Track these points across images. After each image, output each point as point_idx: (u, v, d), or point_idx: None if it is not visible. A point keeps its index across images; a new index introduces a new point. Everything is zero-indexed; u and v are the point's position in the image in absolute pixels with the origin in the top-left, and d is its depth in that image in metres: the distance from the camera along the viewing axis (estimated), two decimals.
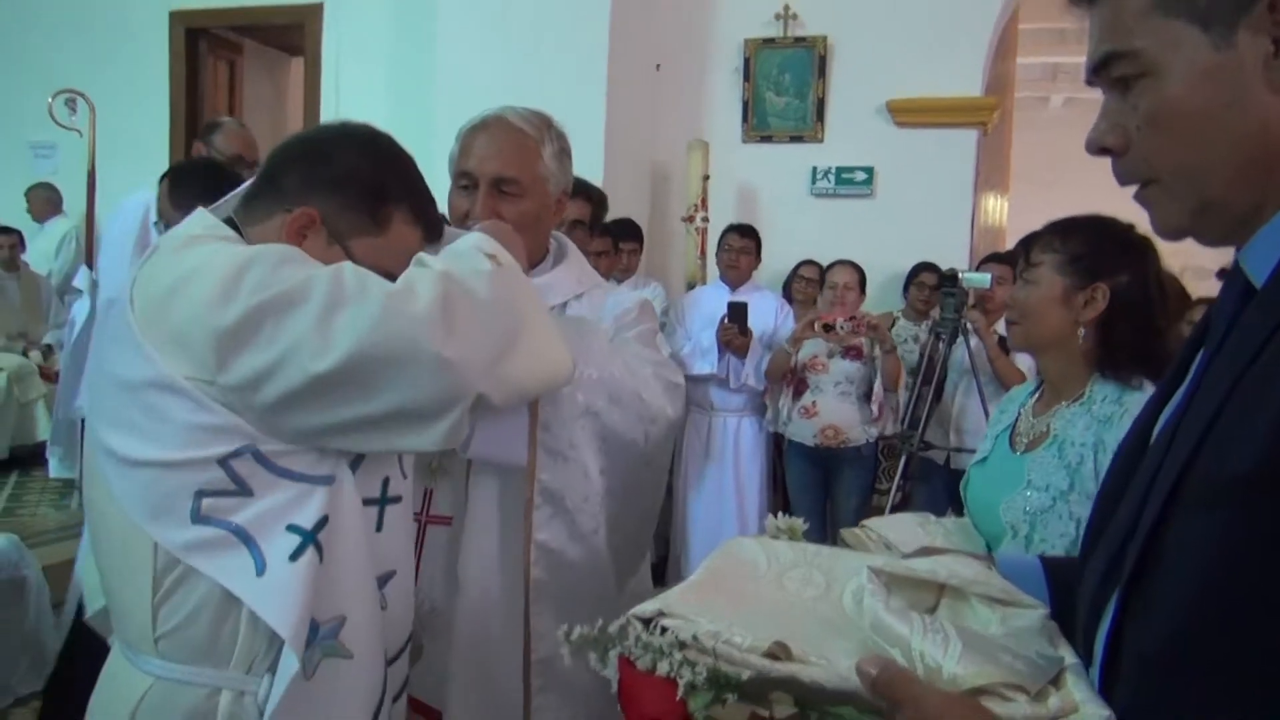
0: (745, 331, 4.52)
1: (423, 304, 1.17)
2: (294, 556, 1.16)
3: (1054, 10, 9.01)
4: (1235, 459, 0.72)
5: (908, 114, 5.53)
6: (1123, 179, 0.86)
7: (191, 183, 2.83)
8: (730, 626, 0.83)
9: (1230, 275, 0.87)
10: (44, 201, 6.84)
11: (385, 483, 1.31)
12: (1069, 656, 0.86)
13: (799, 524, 1.17)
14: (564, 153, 1.80)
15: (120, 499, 1.19)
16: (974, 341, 4.34)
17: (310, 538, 1.17)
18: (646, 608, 0.87)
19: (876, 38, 5.54)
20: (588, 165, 5.01)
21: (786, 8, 5.64)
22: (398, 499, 1.34)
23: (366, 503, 1.28)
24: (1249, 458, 0.71)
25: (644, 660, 0.81)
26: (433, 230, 1.38)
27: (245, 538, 1.15)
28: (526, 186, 1.71)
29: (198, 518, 1.16)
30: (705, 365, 4.58)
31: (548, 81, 4.93)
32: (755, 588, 0.97)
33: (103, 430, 1.22)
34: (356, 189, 1.31)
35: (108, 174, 5.48)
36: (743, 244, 4.85)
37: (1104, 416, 1.66)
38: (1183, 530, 0.76)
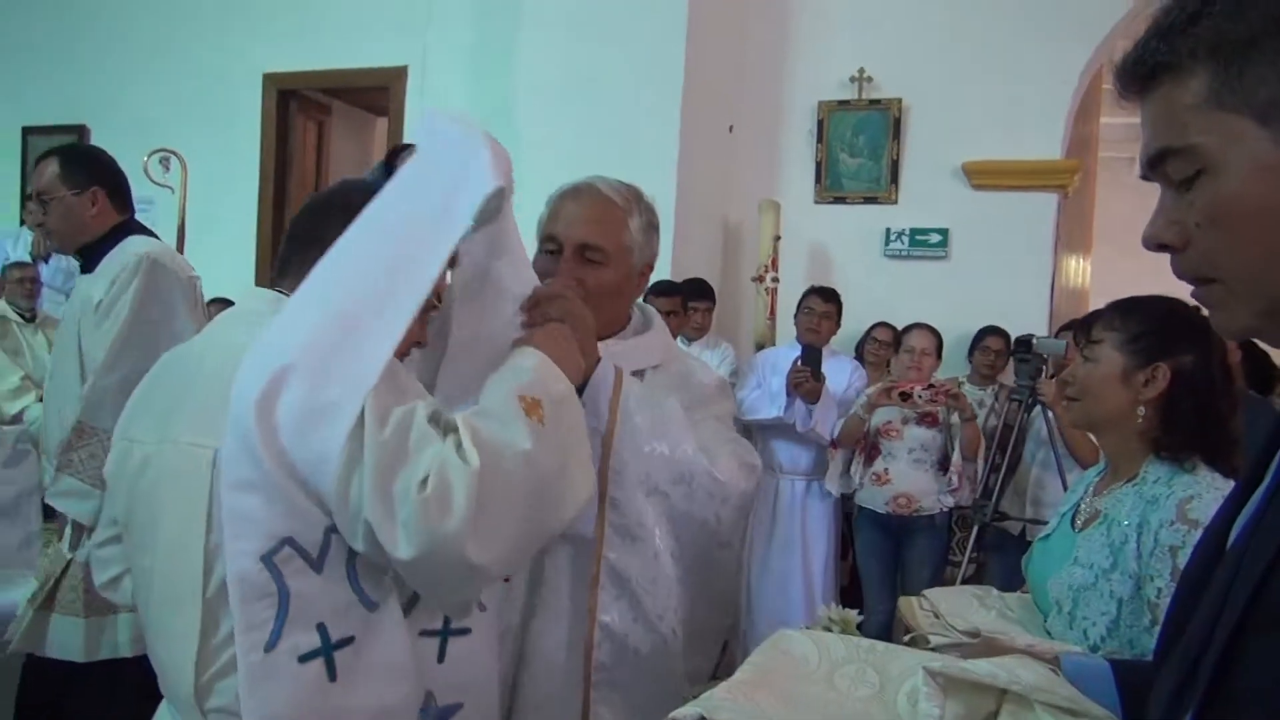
0: (818, 376, 4.31)
1: (457, 517, 1.10)
2: (303, 659, 1.14)
3: None
4: None
5: (984, 176, 5.45)
6: (1182, 275, 0.82)
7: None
8: None
9: None
10: None
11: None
12: None
13: (853, 615, 1.13)
14: (651, 226, 1.80)
15: (216, 515, 1.20)
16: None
17: (327, 650, 1.15)
18: (687, 711, 0.85)
19: (952, 100, 5.50)
20: (660, 224, 5.08)
21: (861, 70, 5.64)
22: (465, 631, 1.30)
23: (425, 634, 1.26)
24: None
25: None
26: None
27: (283, 604, 1.15)
28: (611, 255, 1.71)
29: (268, 559, 1.15)
30: (773, 409, 4.43)
31: (622, 141, 5.01)
32: (804, 686, 0.95)
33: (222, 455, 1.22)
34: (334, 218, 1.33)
35: (197, 229, 5.70)
36: (825, 308, 4.70)
37: (1151, 497, 1.61)
38: (1260, 654, 0.71)
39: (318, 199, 1.46)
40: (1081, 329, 1.79)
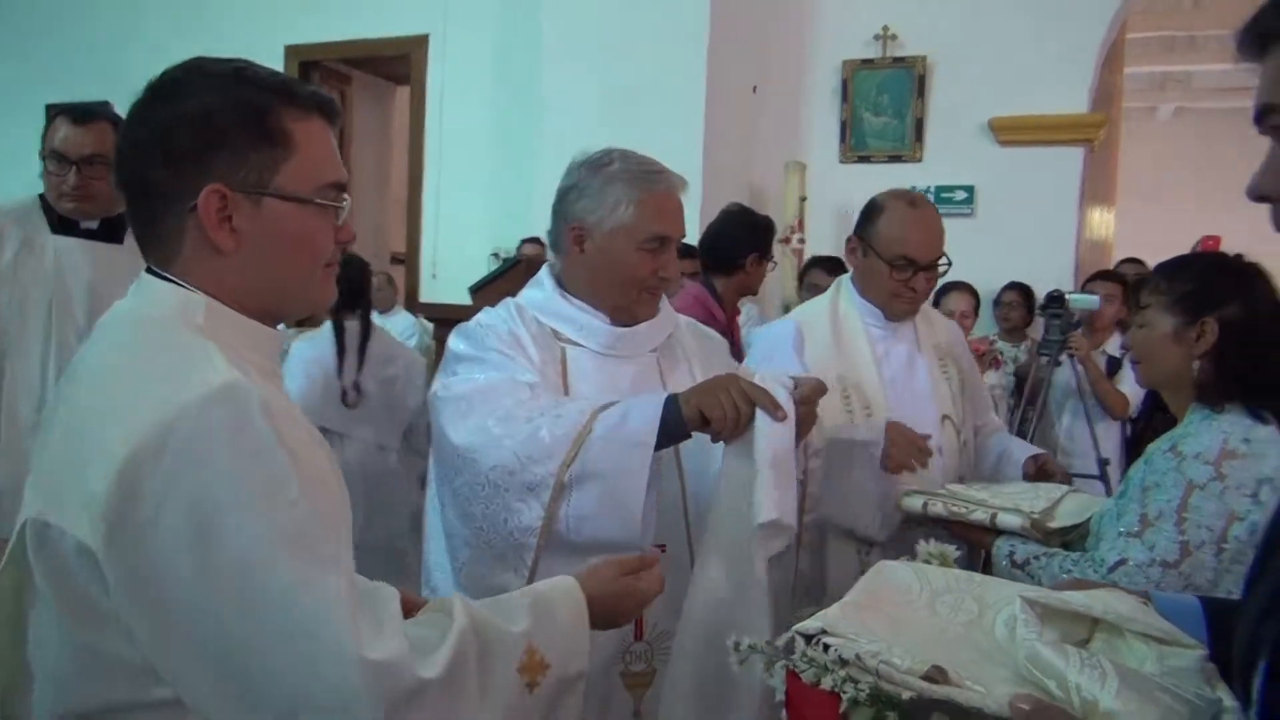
0: None
1: None
2: None
3: (1162, 19, 8.74)
4: None
5: (1011, 132, 5.45)
6: (1277, 225, 0.89)
7: None
8: (889, 648, 0.88)
9: None
10: None
11: None
12: (1227, 699, 0.88)
13: (950, 550, 1.22)
14: None
15: None
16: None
17: None
18: (809, 625, 0.93)
19: (977, 56, 5.47)
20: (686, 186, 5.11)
21: (885, 28, 5.62)
22: None
23: None
24: None
25: (808, 674, 0.87)
26: (325, 107, 1.14)
27: None
28: None
29: None
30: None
31: (647, 106, 5.03)
32: (909, 612, 1.01)
33: None
34: (231, 127, 1.06)
35: None
36: (828, 283, 4.72)
37: (1179, 435, 1.71)
38: None
39: (120, 143, 1.12)
40: (1132, 296, 1.85)
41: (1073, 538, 1.89)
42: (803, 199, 5.48)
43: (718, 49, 5.19)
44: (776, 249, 5.56)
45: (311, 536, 0.97)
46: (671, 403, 1.62)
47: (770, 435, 1.59)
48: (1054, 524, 1.87)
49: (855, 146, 5.79)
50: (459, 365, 1.79)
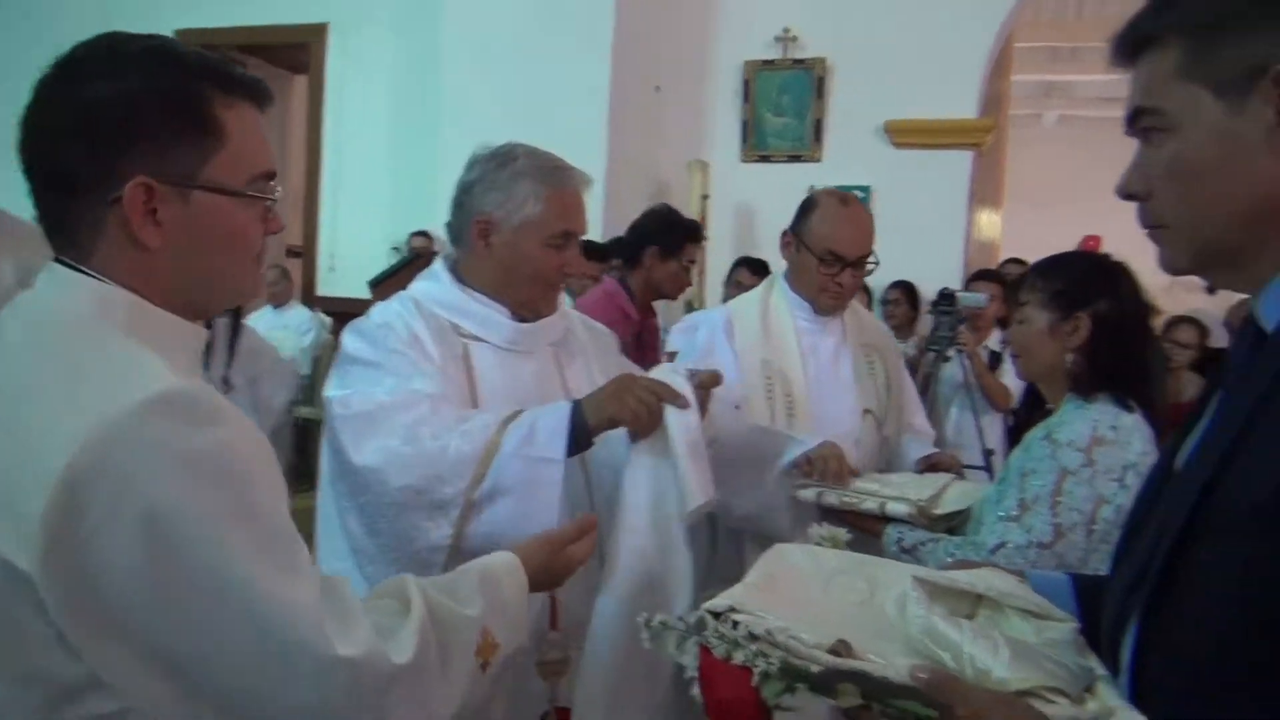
0: None
1: None
2: None
3: (1047, 30, 9.13)
4: (1253, 493, 0.81)
5: (905, 135, 5.63)
6: (1142, 221, 0.95)
7: None
8: (795, 624, 0.92)
9: (1244, 322, 0.95)
10: None
11: None
12: (1098, 668, 0.95)
13: (841, 533, 1.28)
14: None
15: None
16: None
17: None
18: (718, 603, 0.96)
19: (874, 60, 5.64)
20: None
21: (786, 30, 5.74)
22: None
23: None
24: (1264, 493, 0.79)
25: (719, 650, 0.91)
26: (256, 92, 1.07)
27: None
28: None
29: None
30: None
31: (551, 102, 5.03)
32: (805, 592, 1.06)
33: None
34: (158, 114, 0.98)
35: None
36: (753, 281, 4.84)
37: (1054, 424, 1.80)
38: (1206, 556, 0.84)
39: (28, 131, 1.00)
40: (1011, 293, 1.94)
41: (957, 523, 1.98)
42: (705, 197, 5.56)
43: (621, 47, 5.22)
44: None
45: (275, 542, 0.94)
46: (577, 411, 1.65)
47: (680, 425, 1.65)
48: (939, 511, 1.96)
49: (756, 146, 5.89)
50: (354, 368, 1.73)
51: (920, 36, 5.54)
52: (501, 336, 1.83)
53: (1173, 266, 0.95)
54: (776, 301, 2.38)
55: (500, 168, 1.79)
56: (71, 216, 0.99)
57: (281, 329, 5.31)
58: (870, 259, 2.30)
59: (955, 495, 2.03)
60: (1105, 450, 1.71)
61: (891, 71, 5.59)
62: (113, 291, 0.98)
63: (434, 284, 1.86)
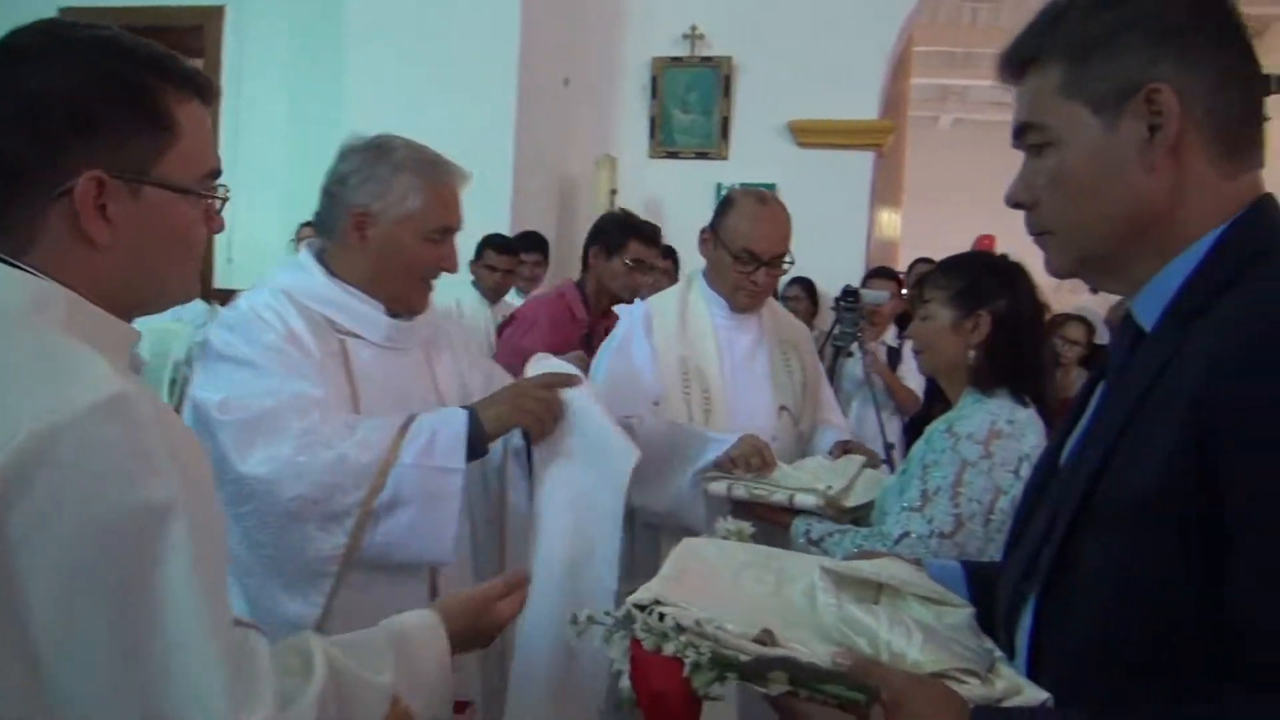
0: None
1: None
2: None
3: (944, 35, 9.43)
4: (1132, 485, 0.87)
5: (809, 135, 5.74)
6: (1029, 228, 1.01)
7: None
8: (720, 615, 0.94)
9: (1123, 321, 1.01)
10: None
11: None
12: (996, 650, 1.00)
13: (746, 526, 1.31)
14: None
15: None
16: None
17: None
18: (643, 596, 0.98)
19: (779, 60, 5.73)
20: (498, 177, 5.08)
21: (694, 28, 5.79)
22: None
23: None
24: (1143, 485, 0.85)
25: (649, 642, 0.92)
26: (204, 88, 1.04)
27: None
28: None
29: None
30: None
31: (457, 93, 4.96)
32: (716, 584, 1.08)
33: None
34: (111, 107, 0.95)
35: None
36: (664, 265, 4.89)
37: (954, 417, 1.88)
38: (1092, 543, 0.90)
39: None
40: (915, 291, 2.00)
41: (862, 514, 2.04)
42: (613, 192, 5.57)
43: (530, 38, 5.18)
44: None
45: (199, 583, 0.88)
46: (474, 420, 1.67)
47: (587, 397, 1.74)
48: (850, 503, 2.01)
49: (664, 142, 5.93)
50: (226, 366, 1.64)
51: (823, 38, 5.65)
52: (379, 333, 1.79)
53: (1057, 271, 1.01)
54: (695, 298, 2.40)
55: (378, 160, 1.75)
56: (14, 210, 0.94)
57: (176, 322, 5.11)
58: (786, 258, 2.33)
59: (865, 484, 2.09)
60: (1002, 443, 1.78)
61: (796, 72, 5.69)
62: (48, 288, 0.93)
63: (305, 276, 1.78)
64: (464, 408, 1.72)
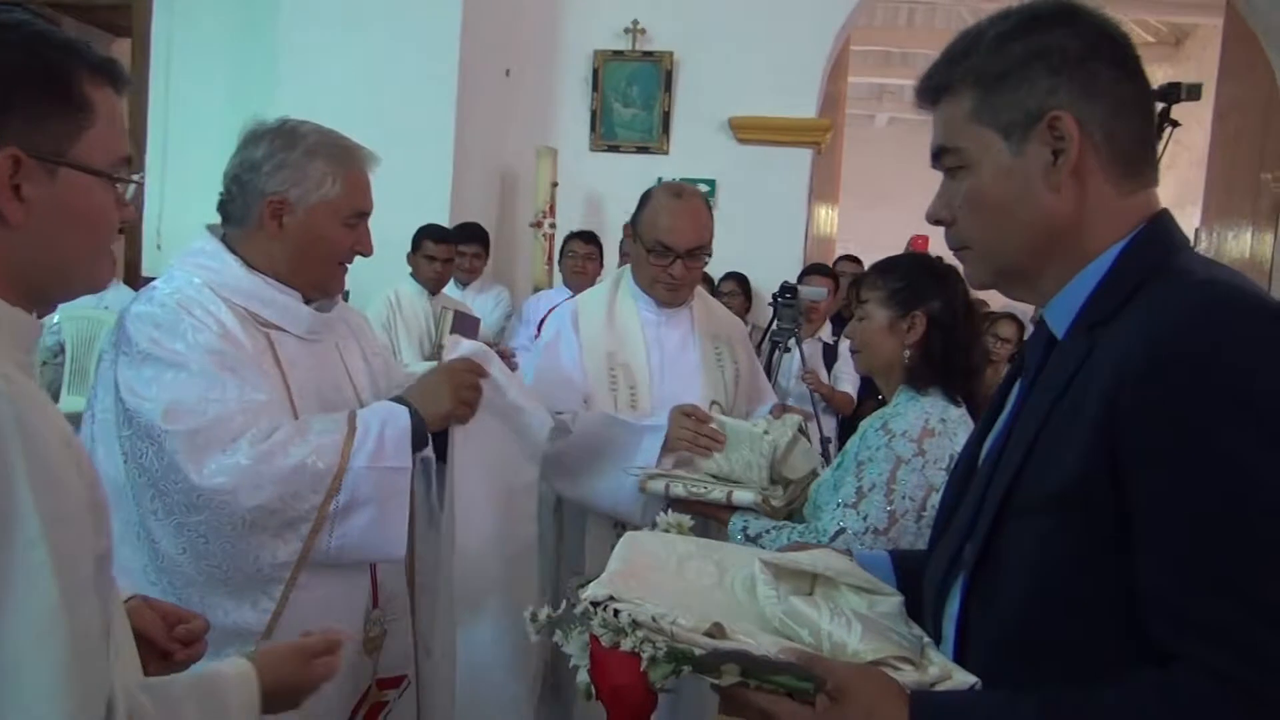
0: None
1: None
2: None
3: (880, 35, 9.57)
4: (1050, 481, 0.94)
5: (748, 131, 5.79)
6: (949, 243, 1.09)
7: None
8: (672, 609, 0.98)
9: (1038, 326, 1.10)
10: None
11: None
12: (925, 635, 1.07)
13: (686, 520, 1.36)
14: None
15: None
16: (807, 349, 4.62)
17: None
18: (597, 593, 1.02)
19: (719, 57, 5.77)
20: (437, 167, 5.04)
21: (635, 22, 5.79)
22: None
23: None
24: (1059, 480, 0.93)
25: (606, 638, 0.96)
26: (118, 76, 1.04)
27: None
28: None
29: None
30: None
31: (396, 80, 4.90)
32: (662, 577, 1.13)
33: None
34: (30, 87, 0.95)
35: None
36: (587, 250, 4.99)
37: (889, 414, 1.92)
38: (1014, 534, 0.98)
39: None
40: (852, 291, 2.04)
41: (796, 506, 2.08)
42: (554, 184, 5.55)
43: (471, 27, 5.13)
44: (528, 232, 5.63)
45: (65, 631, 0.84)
46: (414, 414, 1.72)
47: (502, 377, 1.87)
48: (778, 502, 2.05)
49: (605, 135, 5.93)
50: (157, 370, 1.58)
51: (763, 36, 5.70)
52: (301, 326, 1.77)
53: (976, 282, 1.11)
54: (623, 294, 2.41)
55: (289, 146, 1.72)
56: None
57: (103, 310, 4.97)
58: (703, 251, 2.32)
59: (803, 454, 2.13)
60: (935, 441, 1.83)
61: (735, 69, 5.74)
62: None
63: (219, 266, 1.72)
64: (399, 401, 1.74)
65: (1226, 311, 0.88)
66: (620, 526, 2.21)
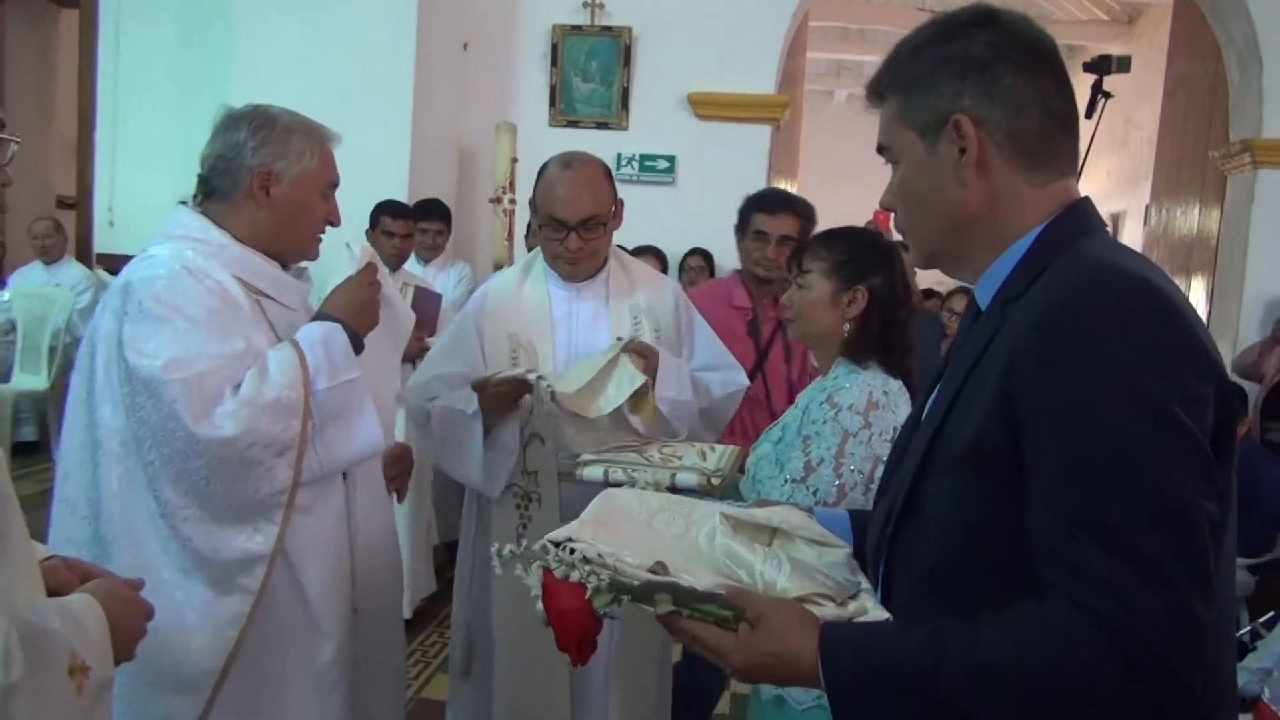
0: None
1: None
2: None
3: (838, 10, 9.60)
4: (961, 436, 1.05)
5: (707, 107, 5.81)
6: (896, 228, 1.22)
7: None
8: (621, 550, 1.13)
9: (969, 301, 1.23)
10: None
11: None
12: (864, 581, 1.21)
13: (665, 479, 1.55)
14: None
15: None
16: None
17: None
18: (558, 534, 1.17)
19: (678, 32, 5.78)
20: (395, 143, 5.00)
21: None
22: None
23: None
24: (969, 435, 1.04)
25: (559, 570, 1.11)
26: None
27: None
28: None
29: None
30: None
31: (352, 52, 4.85)
32: (632, 528, 1.26)
33: None
34: None
35: None
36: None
37: (823, 386, 1.96)
38: (933, 490, 1.10)
39: None
40: (793, 259, 2.05)
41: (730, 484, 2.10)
42: (514, 160, 5.53)
43: (428, 0, 5.09)
44: (488, 208, 5.61)
45: None
46: (347, 326, 1.88)
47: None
48: (718, 480, 2.06)
49: (565, 111, 5.92)
50: (156, 327, 1.72)
51: (722, 11, 5.72)
52: (286, 295, 1.93)
53: (916, 263, 1.25)
54: (535, 273, 2.36)
55: (265, 126, 1.86)
56: None
57: (55, 288, 4.90)
58: (598, 221, 2.22)
59: (623, 371, 2.16)
60: (880, 413, 1.87)
61: (694, 45, 5.75)
62: None
63: (208, 237, 1.84)
64: (327, 318, 1.89)
65: (1100, 287, 0.98)
66: (524, 505, 2.28)
